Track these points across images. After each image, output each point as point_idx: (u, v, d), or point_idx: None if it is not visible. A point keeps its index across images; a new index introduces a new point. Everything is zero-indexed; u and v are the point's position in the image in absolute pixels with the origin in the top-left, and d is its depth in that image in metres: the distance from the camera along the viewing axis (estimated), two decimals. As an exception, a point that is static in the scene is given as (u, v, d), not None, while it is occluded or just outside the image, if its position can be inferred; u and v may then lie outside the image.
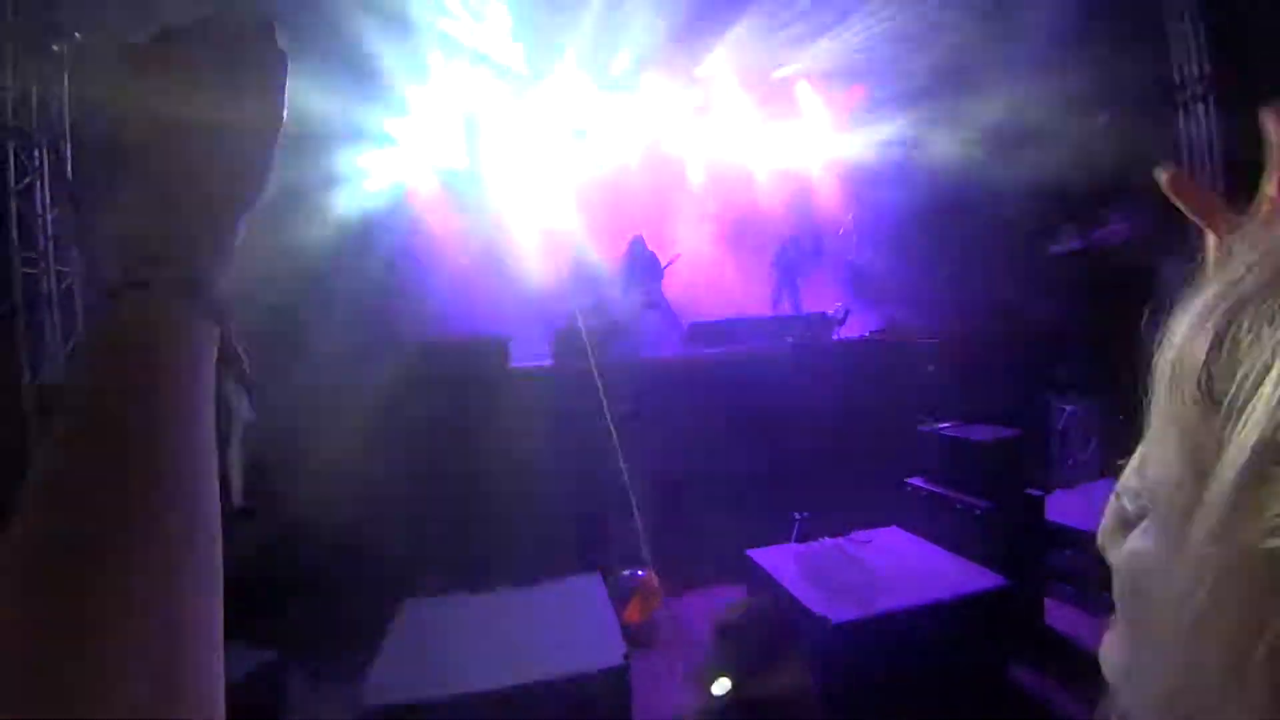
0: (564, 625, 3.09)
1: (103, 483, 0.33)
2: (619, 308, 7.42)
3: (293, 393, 4.51)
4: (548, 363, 5.93)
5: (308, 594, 3.86)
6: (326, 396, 4.69)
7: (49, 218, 5.03)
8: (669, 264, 7.80)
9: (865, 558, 3.43)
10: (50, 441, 0.34)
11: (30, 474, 0.33)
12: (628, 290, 7.53)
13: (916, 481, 4.07)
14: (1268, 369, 0.24)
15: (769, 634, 1.69)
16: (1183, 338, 0.29)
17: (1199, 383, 0.27)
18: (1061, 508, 3.99)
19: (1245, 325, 0.26)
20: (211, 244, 0.42)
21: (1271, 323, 0.25)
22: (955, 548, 3.50)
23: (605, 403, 4.54)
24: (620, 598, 3.81)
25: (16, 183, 4.85)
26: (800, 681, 1.63)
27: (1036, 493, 3.68)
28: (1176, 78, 7.05)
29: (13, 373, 4.69)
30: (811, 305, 7.52)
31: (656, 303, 7.69)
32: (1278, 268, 0.27)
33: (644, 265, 7.72)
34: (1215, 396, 0.26)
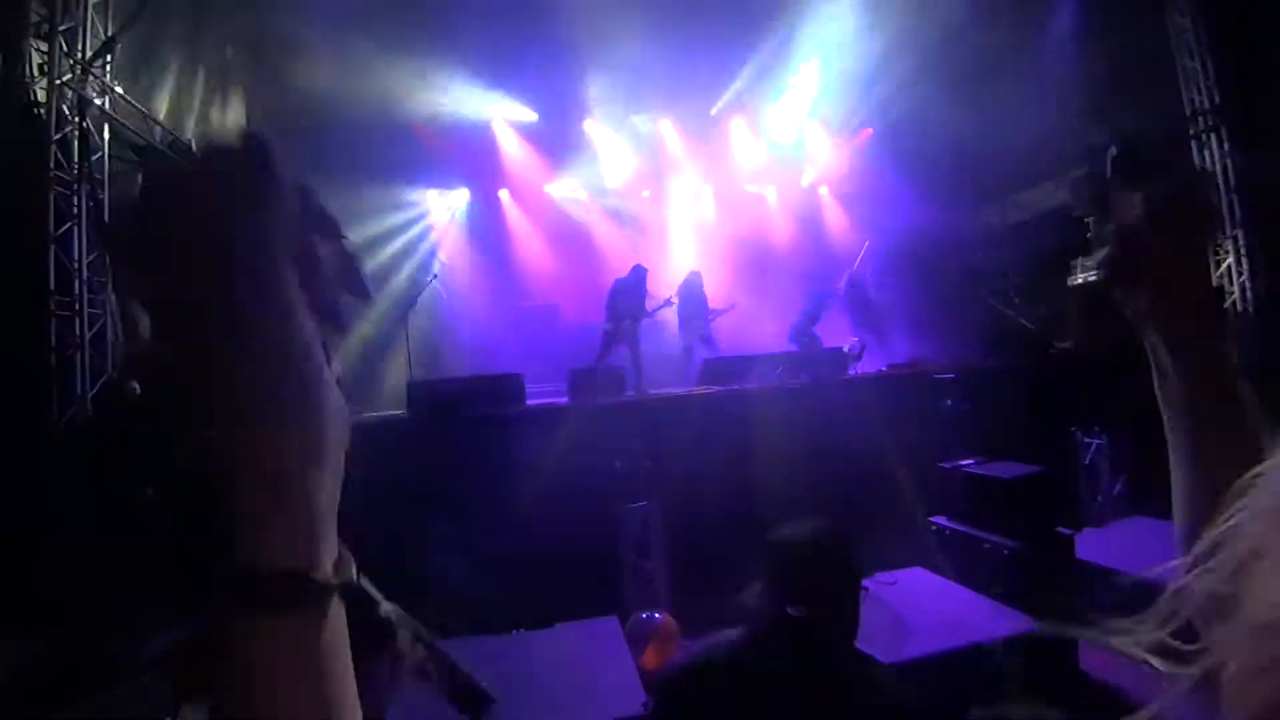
0: (580, 671, 3.02)
1: None
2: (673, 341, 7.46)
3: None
4: (563, 400, 5.94)
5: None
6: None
7: (84, 262, 5.21)
8: (660, 306, 7.72)
9: (891, 600, 3.33)
10: None
11: None
12: (684, 325, 7.55)
13: (940, 521, 3.97)
14: None
15: (834, 562, 1.48)
16: None
17: None
18: (1092, 546, 3.86)
19: None
20: (297, 522, 0.37)
21: None
22: (982, 589, 3.38)
23: (621, 441, 4.51)
24: (637, 642, 3.71)
25: (56, 229, 5.05)
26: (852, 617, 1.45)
27: (1066, 531, 3.57)
28: (1188, 110, 7.08)
29: (43, 413, 4.80)
30: (826, 340, 7.49)
31: (708, 339, 7.66)
32: None
33: (698, 301, 7.71)
34: None
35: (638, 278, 7.37)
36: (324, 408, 0.39)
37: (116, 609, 3.62)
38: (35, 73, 5.03)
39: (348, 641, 0.40)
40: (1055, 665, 3.07)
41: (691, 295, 7.87)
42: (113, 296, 5.48)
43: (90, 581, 3.68)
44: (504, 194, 10.25)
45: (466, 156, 9.63)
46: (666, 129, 10.44)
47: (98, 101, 5.46)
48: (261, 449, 0.36)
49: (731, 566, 4.35)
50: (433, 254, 9.63)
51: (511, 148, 9.93)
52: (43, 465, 4.35)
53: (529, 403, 5.49)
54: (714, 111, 10.35)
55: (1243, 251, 6.70)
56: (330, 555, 0.40)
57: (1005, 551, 3.42)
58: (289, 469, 0.37)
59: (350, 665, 0.40)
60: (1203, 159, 6.99)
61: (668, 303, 7.75)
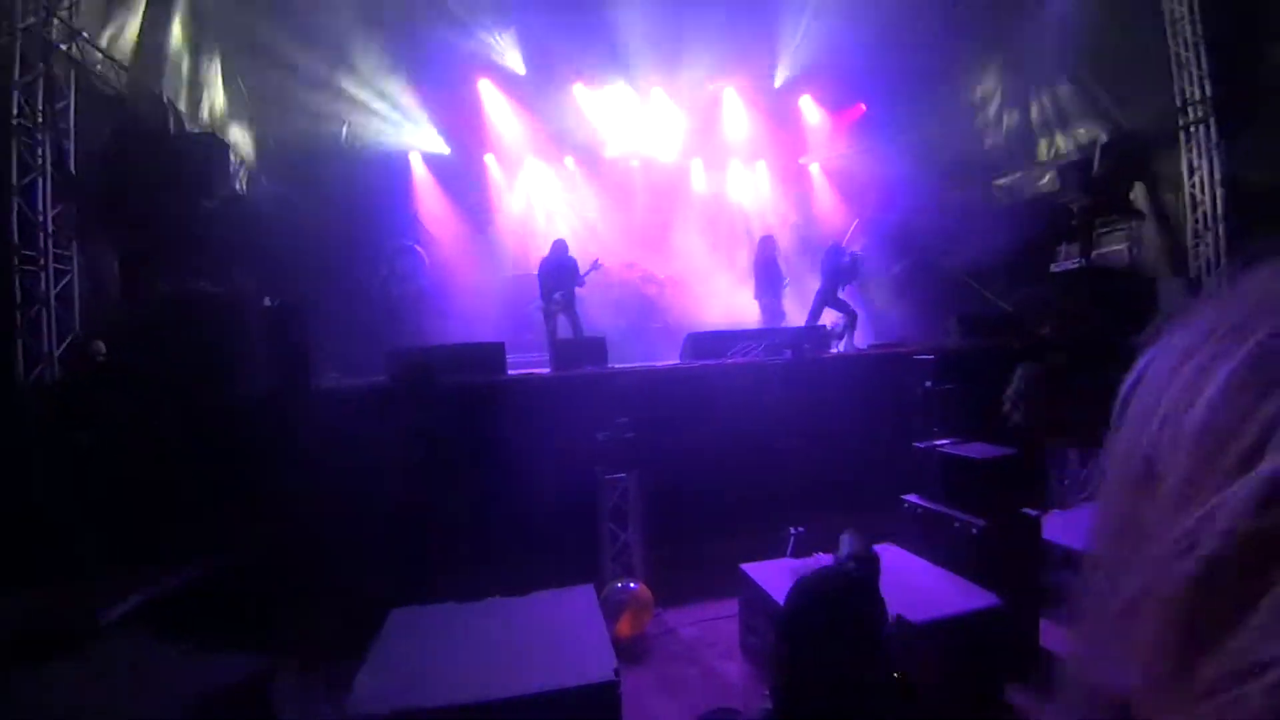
0: (554, 637, 3.05)
1: None
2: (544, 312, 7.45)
3: (285, 396, 4.49)
4: (545, 370, 5.92)
5: (298, 602, 3.82)
6: (319, 401, 4.68)
7: (49, 215, 5.02)
8: (589, 270, 7.70)
9: (860, 574, 3.40)
10: None
11: None
12: (546, 294, 7.49)
13: (913, 498, 4.04)
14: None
15: (859, 604, 1.41)
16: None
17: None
18: (1057, 527, 3.96)
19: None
20: None
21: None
22: (951, 565, 3.47)
23: (601, 412, 4.51)
24: (612, 610, 3.77)
25: (19, 179, 4.85)
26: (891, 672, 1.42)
27: (1033, 512, 3.65)
28: (1179, 101, 7.09)
29: (8, 372, 4.67)
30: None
31: (569, 308, 7.55)
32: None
33: (565, 270, 7.59)
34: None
35: (558, 252, 7.57)
36: None
37: (85, 569, 3.59)
38: (-4, 13, 4.79)
39: None
40: (1018, 641, 3.17)
41: (557, 265, 7.67)
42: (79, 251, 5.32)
43: (59, 542, 3.63)
44: (489, 158, 10.05)
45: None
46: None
47: (63, 47, 5.22)
48: None
49: (707, 539, 4.43)
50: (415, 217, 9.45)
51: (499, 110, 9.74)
52: (9, 425, 4.25)
53: (510, 372, 5.46)
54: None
55: (1223, 242, 6.80)
56: None
57: (974, 530, 3.50)
58: None
59: None
60: (1191, 150, 7.03)
61: (595, 266, 7.78)
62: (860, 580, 1.53)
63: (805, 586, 1.45)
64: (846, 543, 2.16)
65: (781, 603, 3.01)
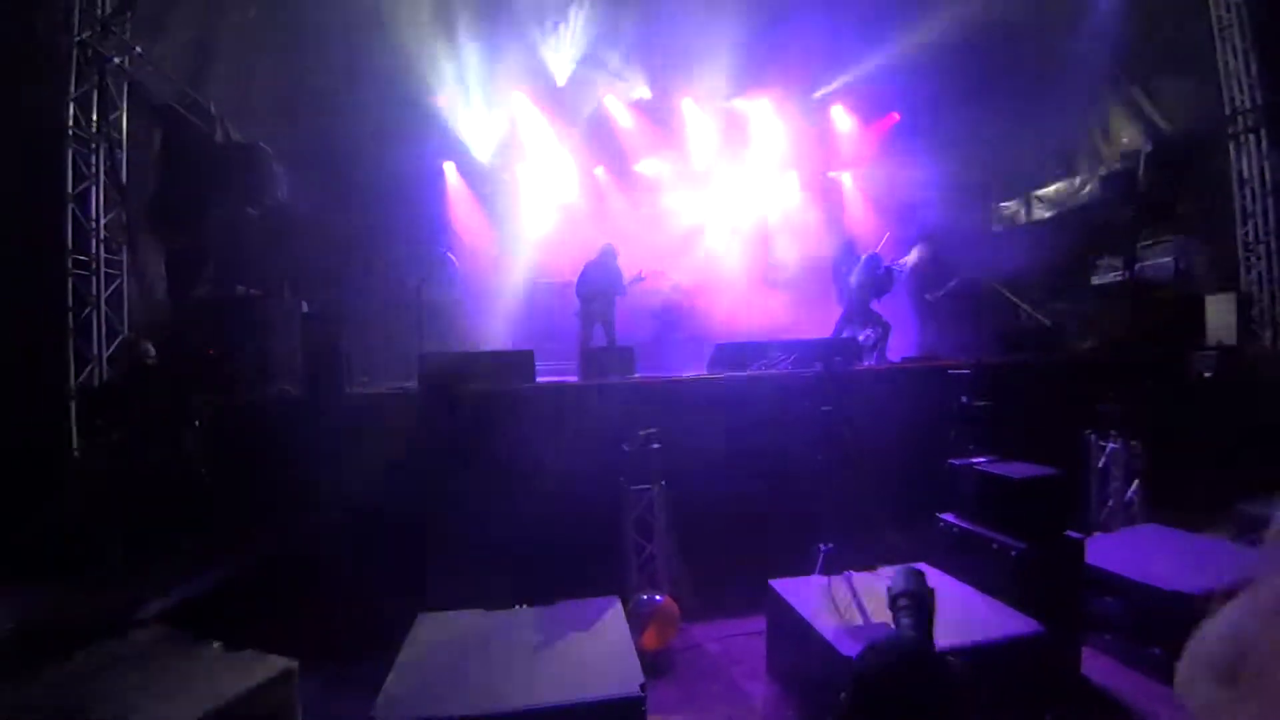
0: (580, 649, 3.03)
1: None
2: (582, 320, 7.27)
3: (316, 399, 4.57)
4: (574, 379, 5.93)
5: (324, 602, 3.86)
6: (350, 404, 4.75)
7: (101, 221, 5.22)
8: (634, 281, 7.47)
9: (892, 594, 3.31)
10: None
11: None
12: (586, 300, 7.29)
13: (949, 517, 3.93)
14: None
15: (920, 687, 1.39)
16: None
17: None
18: (1101, 552, 3.81)
19: None
20: None
21: None
22: (988, 589, 3.35)
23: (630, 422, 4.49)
24: (637, 623, 3.73)
25: (74, 187, 5.05)
26: None
27: (1076, 535, 3.52)
28: (1228, 109, 6.85)
29: (59, 372, 4.85)
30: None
31: (606, 316, 7.37)
32: None
33: (610, 277, 7.37)
34: None
35: (605, 258, 7.35)
36: None
37: (127, 564, 3.68)
38: (55, 29, 5.00)
39: None
40: (1057, 669, 3.05)
41: (602, 272, 7.42)
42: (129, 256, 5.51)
43: (102, 538, 3.73)
44: (520, 168, 10.17)
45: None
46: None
47: (117, 60, 5.43)
48: None
49: (735, 553, 4.37)
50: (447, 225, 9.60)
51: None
52: (59, 424, 4.40)
53: (539, 380, 5.48)
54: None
55: (1275, 257, 6.53)
56: None
57: (1013, 552, 3.38)
58: None
59: None
60: (1241, 160, 6.78)
61: (639, 277, 7.55)
62: (939, 658, 1.51)
63: (882, 654, 1.45)
64: (898, 579, 1.97)
65: (809, 619, 2.94)
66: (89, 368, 5.04)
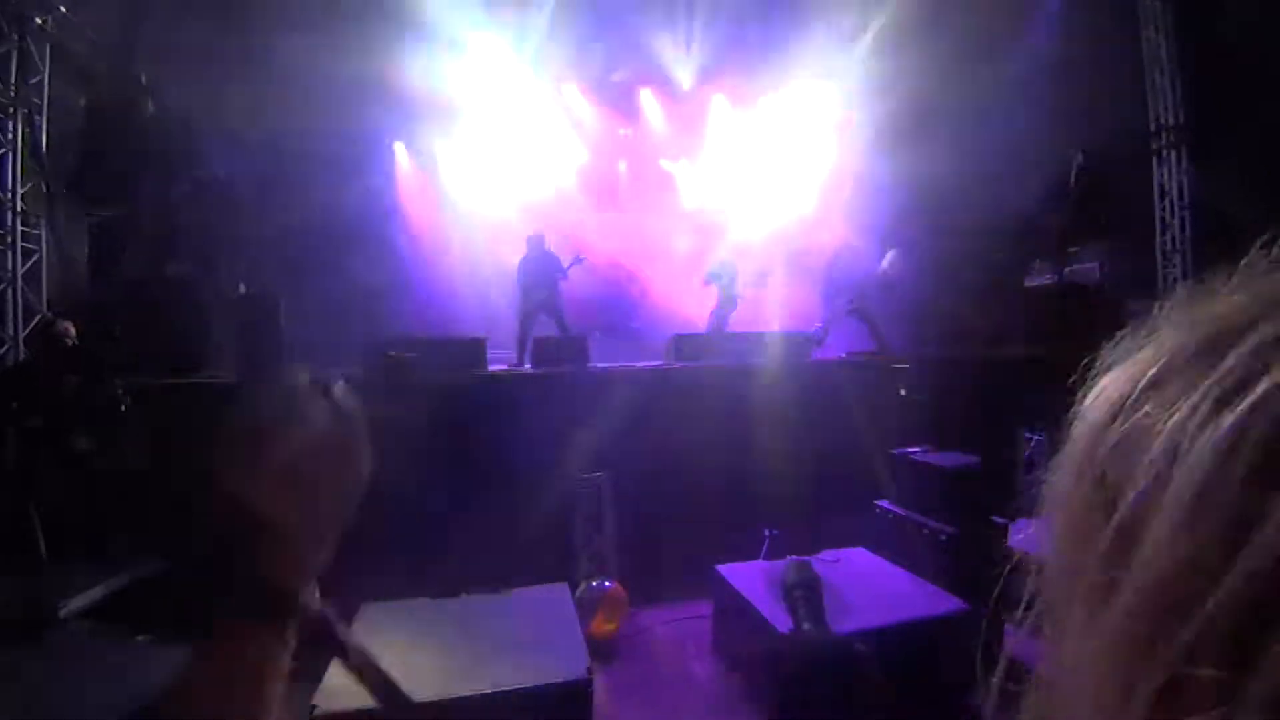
0: (527, 635, 3.05)
1: None
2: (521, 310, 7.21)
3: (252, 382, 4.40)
4: (527, 368, 5.90)
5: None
6: (289, 392, 4.60)
7: (18, 192, 4.88)
8: (572, 264, 7.37)
9: (832, 577, 3.45)
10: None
11: None
12: (525, 293, 7.16)
13: (885, 504, 4.11)
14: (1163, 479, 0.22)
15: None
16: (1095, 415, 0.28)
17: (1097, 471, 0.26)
18: (1023, 535, 4.05)
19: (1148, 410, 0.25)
20: (307, 581, 0.54)
21: (1192, 412, 0.22)
22: (920, 571, 3.54)
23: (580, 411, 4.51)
24: (586, 609, 3.77)
25: (-14, 154, 4.72)
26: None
27: (1000, 520, 3.74)
28: (1152, 125, 7.30)
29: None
30: (794, 324, 7.56)
31: (551, 305, 7.20)
32: (1203, 342, 0.25)
33: (547, 265, 7.25)
34: (1108, 488, 0.25)
35: (535, 247, 7.30)
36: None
37: (46, 559, 3.49)
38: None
39: (289, 659, 0.52)
40: (983, 645, 3.24)
41: (536, 261, 7.32)
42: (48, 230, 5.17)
43: (20, 529, 3.53)
44: (474, 152, 9.95)
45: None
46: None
47: (39, 21, 5.07)
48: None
49: (682, 539, 4.45)
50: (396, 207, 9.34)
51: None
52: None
53: (490, 368, 5.44)
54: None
55: (1190, 265, 7.02)
56: (310, 591, 0.54)
57: (943, 536, 3.57)
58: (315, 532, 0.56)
59: (285, 677, 0.52)
60: (1162, 173, 7.25)
61: (578, 260, 7.48)
62: (866, 658, 1.62)
63: (805, 654, 1.54)
64: (789, 571, 1.95)
65: (753, 602, 3.04)
66: (4, 348, 4.73)
